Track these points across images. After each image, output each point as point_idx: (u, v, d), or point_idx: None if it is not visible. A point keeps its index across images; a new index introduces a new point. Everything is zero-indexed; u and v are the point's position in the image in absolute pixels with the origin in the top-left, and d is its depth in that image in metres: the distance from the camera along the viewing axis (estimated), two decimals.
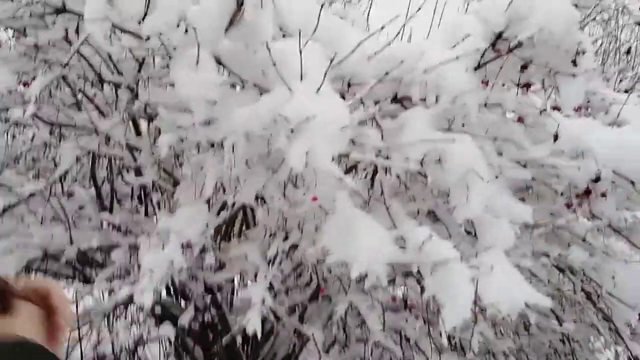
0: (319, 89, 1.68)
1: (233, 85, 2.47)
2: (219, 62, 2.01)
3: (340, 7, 2.68)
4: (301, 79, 1.75)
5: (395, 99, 2.38)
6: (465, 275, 1.78)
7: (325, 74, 1.66)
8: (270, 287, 2.77)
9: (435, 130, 2.08)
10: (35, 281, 0.81)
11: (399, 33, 1.96)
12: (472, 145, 1.98)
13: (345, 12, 2.62)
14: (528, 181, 2.59)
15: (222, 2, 1.80)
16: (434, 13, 3.99)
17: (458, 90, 2.09)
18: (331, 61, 1.68)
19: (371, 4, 3.29)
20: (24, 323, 0.73)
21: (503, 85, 2.43)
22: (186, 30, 1.87)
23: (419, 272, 1.91)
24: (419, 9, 1.99)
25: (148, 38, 1.82)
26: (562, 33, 2.00)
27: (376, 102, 2.49)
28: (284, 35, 2.24)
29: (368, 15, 4.70)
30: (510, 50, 2.17)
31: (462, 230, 2.19)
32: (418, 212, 2.63)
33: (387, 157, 2.17)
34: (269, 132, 1.71)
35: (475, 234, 2.18)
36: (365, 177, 2.93)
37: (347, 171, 2.62)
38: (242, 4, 1.74)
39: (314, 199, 1.79)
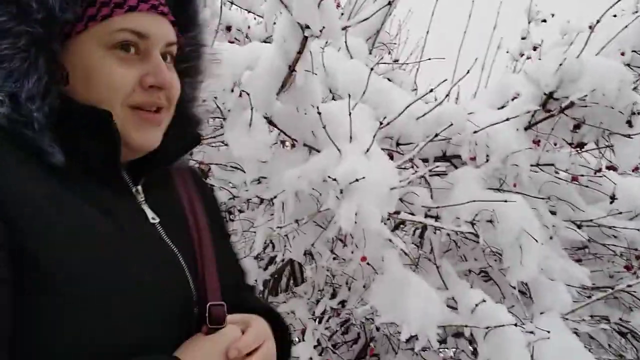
0: (367, 150, 1.70)
1: (284, 144, 2.54)
2: (271, 123, 2.07)
3: (389, 68, 2.73)
4: (350, 140, 1.78)
5: (444, 157, 2.39)
6: (521, 340, 1.72)
7: (374, 135, 1.68)
8: (318, 344, 2.74)
9: (485, 190, 2.06)
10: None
11: (447, 95, 1.97)
12: (524, 206, 1.95)
13: (393, 74, 2.68)
14: (584, 242, 2.51)
15: (275, 67, 1.87)
16: (482, 72, 4.03)
17: (509, 149, 2.08)
18: (381, 123, 1.71)
19: (419, 67, 3.35)
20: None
21: (555, 145, 2.41)
22: (240, 94, 1.95)
23: (471, 334, 1.85)
24: (468, 72, 2.01)
25: (204, 100, 1.90)
26: (615, 94, 1.98)
27: (424, 160, 2.51)
28: (333, 97, 2.31)
29: (416, 76, 4.79)
30: (561, 111, 2.16)
31: (516, 291, 2.13)
32: (470, 272, 2.59)
33: (437, 216, 2.16)
34: (318, 192, 1.74)
35: (530, 295, 2.12)
36: (414, 234, 2.90)
37: (396, 228, 2.60)
38: (293, 69, 1.81)
39: (363, 259, 1.78)
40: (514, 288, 2.06)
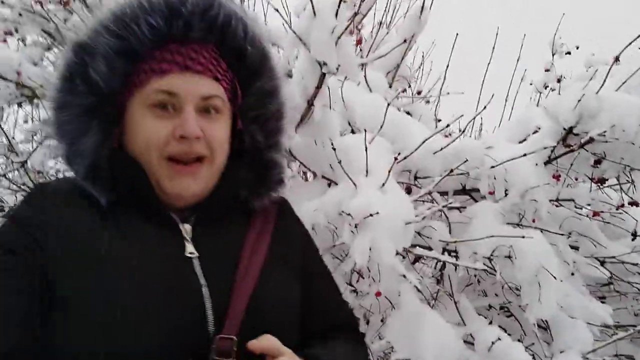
0: (383, 185, 1.71)
1: (306, 177, 2.57)
2: (291, 154, 2.10)
3: (409, 101, 2.75)
4: (366, 174, 1.80)
5: (464, 191, 2.39)
6: None
7: (390, 170, 1.69)
8: None
9: (503, 225, 2.05)
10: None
11: (463, 130, 1.98)
12: (543, 241, 1.93)
13: (413, 107, 2.70)
14: (608, 279, 2.47)
15: (294, 102, 1.90)
16: (505, 105, 4.02)
17: (527, 184, 2.07)
18: (396, 157, 1.72)
19: (439, 100, 3.36)
20: None
21: (576, 179, 2.39)
22: None
23: None
24: (485, 107, 2.01)
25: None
26: (635, 129, 1.96)
27: (443, 194, 2.50)
28: (352, 131, 2.34)
29: (437, 108, 4.81)
30: (581, 146, 2.14)
31: (536, 329, 2.09)
32: (490, 307, 2.55)
33: (455, 251, 2.15)
34: (334, 225, 1.75)
35: (550, 333, 2.08)
36: (435, 267, 2.88)
37: (415, 262, 2.59)
38: (311, 104, 1.84)
39: (378, 294, 1.78)
40: (534, 325, 2.02)
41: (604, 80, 2.05)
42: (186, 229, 0.99)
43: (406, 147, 2.10)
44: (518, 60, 4.38)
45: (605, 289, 2.68)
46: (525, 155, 1.98)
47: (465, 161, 1.86)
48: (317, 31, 1.61)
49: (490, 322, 2.50)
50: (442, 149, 2.00)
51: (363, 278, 2.19)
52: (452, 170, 1.83)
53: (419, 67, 4.95)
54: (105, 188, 0.95)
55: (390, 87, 2.77)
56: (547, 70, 4.51)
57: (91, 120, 0.96)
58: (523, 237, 1.86)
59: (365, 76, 2.35)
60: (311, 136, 2.03)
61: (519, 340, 2.52)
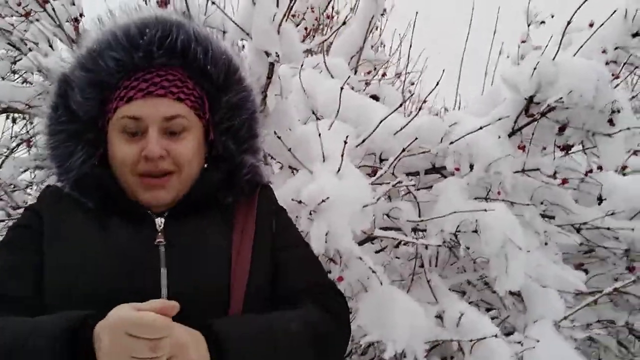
0: (339, 170, 1.71)
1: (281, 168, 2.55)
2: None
3: (375, 85, 2.74)
4: (323, 160, 1.79)
5: (434, 169, 2.38)
6: (506, 351, 1.68)
7: (342, 154, 1.69)
8: None
9: (469, 200, 2.05)
10: None
11: (419, 109, 1.97)
12: (507, 214, 1.93)
13: (380, 90, 2.68)
14: (591, 246, 2.47)
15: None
16: (485, 79, 4.00)
17: (491, 157, 2.06)
18: (345, 141, 1.71)
19: (419, 79, 3.33)
20: None
21: (544, 149, 2.38)
22: None
23: (460, 348, 1.83)
24: (437, 84, 2.00)
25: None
26: (592, 93, 1.95)
27: (414, 174, 2.50)
28: (317, 118, 2.33)
29: (415, 88, 4.79)
30: (543, 114, 2.14)
31: (509, 301, 2.09)
32: (469, 283, 2.55)
33: (424, 230, 2.15)
34: (295, 214, 1.74)
35: (524, 303, 2.09)
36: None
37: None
38: (265, 95, 1.83)
39: (339, 279, 1.78)
40: (505, 297, 2.02)
41: (559, 45, 2.04)
42: (159, 222, 1.09)
43: (368, 130, 2.10)
44: (494, 33, 4.36)
45: (586, 256, 2.68)
46: (481, 128, 1.97)
47: (415, 140, 1.85)
48: (257, 20, 1.60)
49: (468, 298, 2.51)
50: (401, 129, 1.99)
51: (336, 264, 2.19)
52: (403, 150, 1.82)
53: (397, 49, 4.95)
54: (89, 197, 1.09)
55: (355, 71, 2.76)
56: (523, 42, 4.47)
57: (76, 145, 1.10)
58: (485, 210, 1.86)
59: (325, 62, 2.33)
60: (271, 127, 2.02)
61: (495, 314, 2.53)
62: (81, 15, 3.24)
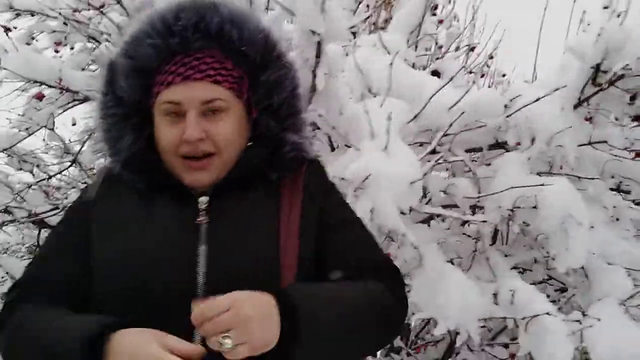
0: (386, 147, 1.70)
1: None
2: (315, 125, 2.12)
3: (440, 60, 2.68)
4: (372, 137, 1.79)
5: (497, 145, 2.32)
6: (561, 330, 1.63)
7: (387, 131, 1.68)
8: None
9: (529, 175, 1.98)
10: None
11: (473, 82, 1.92)
12: (568, 188, 1.85)
13: (441, 65, 2.62)
14: None
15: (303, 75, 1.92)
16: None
17: (552, 130, 1.97)
18: (389, 119, 1.70)
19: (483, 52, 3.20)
20: None
21: (616, 119, 2.25)
22: None
23: (516, 325, 1.79)
24: (494, 50, 1.93)
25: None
26: None
27: (477, 150, 2.44)
28: (374, 96, 2.33)
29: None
30: (611, 83, 2.02)
31: (570, 279, 2.02)
32: (536, 261, 2.47)
33: (482, 207, 2.10)
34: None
35: (589, 280, 2.00)
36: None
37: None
38: (314, 74, 1.85)
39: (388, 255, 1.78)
40: (569, 275, 1.95)
41: (627, 11, 1.91)
42: (202, 200, 1.11)
43: (421, 106, 2.07)
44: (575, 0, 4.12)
45: None
46: (538, 99, 1.89)
47: (462, 114, 1.80)
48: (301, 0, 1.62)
49: (535, 276, 2.44)
50: (455, 104, 1.95)
51: (393, 241, 2.19)
52: (450, 125, 1.79)
53: (471, 21, 4.80)
54: (137, 177, 1.14)
55: (415, 47, 2.72)
56: (605, 8, 4.20)
57: (125, 127, 1.16)
58: (542, 185, 1.80)
59: (380, 39, 2.31)
60: (323, 106, 2.04)
61: (561, 290, 2.44)
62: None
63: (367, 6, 3.07)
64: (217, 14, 1.12)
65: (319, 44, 1.77)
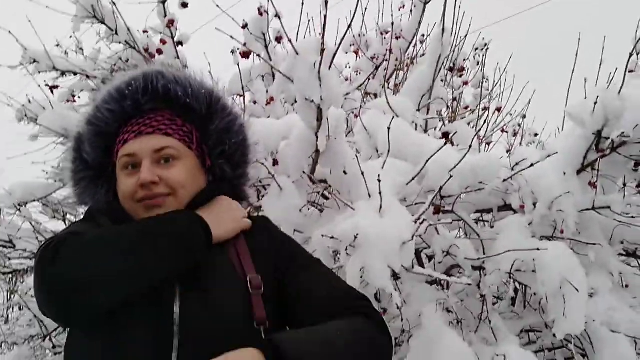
0: (380, 208, 1.75)
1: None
2: (319, 181, 2.19)
3: (450, 125, 2.74)
4: (369, 197, 1.85)
5: (505, 207, 2.33)
6: None
7: (380, 192, 1.73)
8: None
9: (529, 239, 1.99)
10: None
11: (470, 146, 1.96)
12: (567, 253, 1.85)
13: (452, 127, 2.67)
14: None
15: (304, 135, 2.01)
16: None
17: (553, 194, 1.99)
18: (379, 180, 1.76)
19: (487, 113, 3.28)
20: None
21: (625, 185, 2.24)
22: (274, 163, 2.12)
23: None
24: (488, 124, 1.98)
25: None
26: None
27: (487, 211, 2.46)
28: (379, 156, 2.39)
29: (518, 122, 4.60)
30: (613, 150, 2.03)
31: (572, 346, 1.97)
32: (547, 327, 2.43)
33: (482, 268, 2.11)
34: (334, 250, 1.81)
35: (593, 348, 1.95)
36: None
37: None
38: (316, 136, 1.93)
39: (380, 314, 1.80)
40: (569, 342, 1.92)
41: (624, 78, 1.95)
42: None
43: (427, 168, 2.12)
44: (600, 64, 4.14)
45: None
46: (532, 165, 1.93)
47: (451, 178, 1.85)
48: (299, 68, 1.72)
49: (542, 341, 2.39)
50: (455, 166, 1.99)
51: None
52: (441, 188, 1.82)
53: (497, 83, 4.87)
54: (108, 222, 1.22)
55: (428, 110, 2.79)
56: (631, 72, 4.20)
57: (95, 186, 1.30)
58: (538, 249, 1.80)
59: (388, 102, 2.40)
60: (327, 165, 2.12)
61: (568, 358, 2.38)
62: (185, 67, 3.59)
63: (385, 70, 3.18)
64: (163, 78, 1.27)
65: (319, 108, 1.86)
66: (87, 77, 3.70)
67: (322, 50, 1.71)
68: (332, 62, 1.77)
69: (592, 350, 1.96)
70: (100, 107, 1.27)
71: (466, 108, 4.62)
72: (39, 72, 3.63)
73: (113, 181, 1.28)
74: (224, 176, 1.31)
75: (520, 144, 5.55)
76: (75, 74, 3.86)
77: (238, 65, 2.60)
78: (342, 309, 1.13)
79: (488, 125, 4.14)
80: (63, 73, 3.88)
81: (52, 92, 3.83)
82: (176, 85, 1.26)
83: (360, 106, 2.32)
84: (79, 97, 4.18)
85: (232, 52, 3.05)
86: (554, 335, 2.03)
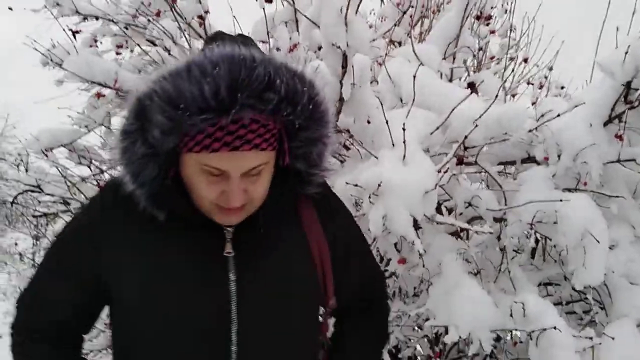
0: (404, 157, 1.76)
1: None
2: (349, 133, 2.20)
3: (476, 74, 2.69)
4: (393, 145, 1.85)
5: (529, 159, 2.32)
6: (569, 345, 1.64)
7: (404, 140, 1.73)
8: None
9: (553, 190, 1.98)
10: None
11: (496, 97, 1.94)
12: (589, 205, 1.85)
13: (477, 77, 2.63)
14: None
15: (329, 84, 2.00)
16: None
17: (578, 146, 1.97)
18: (403, 129, 1.75)
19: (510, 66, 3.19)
20: None
21: None
22: None
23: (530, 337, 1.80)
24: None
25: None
26: None
27: (510, 163, 2.45)
28: (403, 105, 2.38)
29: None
30: None
31: (590, 296, 2.00)
32: (566, 278, 2.45)
33: (504, 220, 2.12)
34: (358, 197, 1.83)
35: (611, 299, 1.98)
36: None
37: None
38: (341, 84, 1.93)
39: (401, 261, 1.83)
40: (586, 295, 1.94)
41: None
42: (229, 231, 1.18)
43: (451, 118, 2.10)
44: (633, 14, 4.01)
45: None
46: (558, 115, 1.90)
47: (475, 127, 1.83)
48: (325, 14, 1.70)
49: (560, 292, 2.42)
50: (480, 117, 1.97)
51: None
52: (465, 137, 1.81)
53: (525, 32, 4.74)
54: (160, 209, 1.14)
55: (453, 58, 2.75)
56: None
57: (148, 162, 1.10)
58: (561, 200, 1.80)
59: (413, 50, 2.36)
60: (352, 114, 2.12)
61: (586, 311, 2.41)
62: (206, 12, 3.55)
63: (411, 17, 3.12)
64: (269, 70, 1.04)
65: (345, 55, 1.84)
66: (111, 21, 3.68)
67: None
68: (358, 7, 1.75)
69: (610, 301, 1.98)
70: (182, 89, 1.01)
71: (492, 58, 4.53)
72: (62, 16, 3.62)
73: (170, 163, 1.12)
74: (297, 172, 1.21)
75: (546, 96, 5.45)
76: (97, 18, 3.85)
77: (263, 9, 2.54)
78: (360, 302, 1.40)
79: (514, 77, 4.05)
80: (85, 17, 3.87)
81: (74, 36, 3.83)
82: (278, 80, 1.04)
83: (386, 54, 2.29)
84: (101, 43, 4.18)
85: None
86: (573, 288, 2.06)
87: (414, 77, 1.95)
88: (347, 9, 1.64)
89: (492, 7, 4.51)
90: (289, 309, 1.20)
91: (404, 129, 1.69)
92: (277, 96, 1.04)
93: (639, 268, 1.95)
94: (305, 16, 1.76)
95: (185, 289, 1.13)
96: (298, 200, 1.27)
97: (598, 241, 1.76)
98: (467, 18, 2.55)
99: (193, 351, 1.13)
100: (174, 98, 1.01)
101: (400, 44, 3.21)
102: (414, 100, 1.99)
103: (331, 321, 1.41)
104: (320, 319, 1.34)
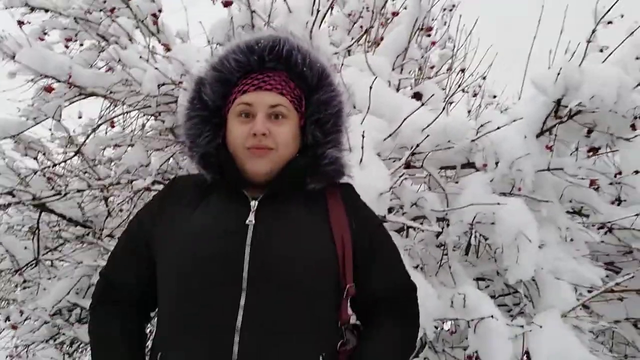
0: (360, 161, 1.91)
1: None
2: None
3: (422, 83, 2.89)
4: (350, 151, 2.00)
5: (468, 164, 2.54)
6: (503, 332, 1.84)
7: (362, 146, 1.89)
8: None
9: (491, 194, 2.19)
10: None
11: (443, 109, 2.13)
12: (523, 209, 2.06)
13: (422, 87, 2.83)
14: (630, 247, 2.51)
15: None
16: None
17: (513, 155, 2.19)
18: (363, 136, 1.91)
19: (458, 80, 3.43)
20: None
21: (577, 150, 2.47)
22: None
23: (469, 326, 1.99)
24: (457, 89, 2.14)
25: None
26: (613, 99, 2.04)
27: (451, 168, 2.66)
28: (357, 113, 2.54)
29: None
30: (570, 117, 2.24)
31: (521, 290, 2.23)
32: (498, 274, 2.68)
33: (446, 219, 2.31)
34: None
35: (538, 292, 2.21)
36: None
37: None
38: None
39: None
40: (519, 286, 2.16)
41: (585, 51, 2.14)
42: (253, 204, 1.35)
43: (400, 126, 2.28)
44: (561, 32, 4.34)
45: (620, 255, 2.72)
46: (498, 128, 2.11)
47: (427, 137, 2.02)
48: (292, 27, 1.83)
49: (494, 285, 2.66)
50: (428, 125, 2.16)
51: None
52: (417, 145, 1.99)
53: (462, 45, 5.02)
54: (210, 170, 1.40)
55: (401, 70, 2.93)
56: (589, 42, 4.41)
57: (204, 127, 1.41)
58: (498, 204, 2.01)
59: (367, 60, 2.53)
60: None
61: (515, 304, 2.65)
62: (160, 11, 3.60)
63: (361, 27, 3.28)
64: (287, 43, 1.41)
65: None
66: (60, 14, 3.66)
67: (318, 11, 1.83)
68: (322, 22, 1.89)
69: (538, 295, 2.21)
70: (228, 56, 1.40)
71: (432, 67, 4.78)
72: (11, 7, 3.57)
73: (221, 127, 1.41)
74: (315, 140, 1.42)
75: (480, 104, 5.79)
76: (46, 10, 3.81)
77: (229, 10, 2.60)
78: (390, 304, 1.45)
79: (451, 86, 4.32)
80: (33, 9, 3.82)
81: (20, 27, 3.77)
82: (297, 53, 1.40)
83: (342, 63, 2.43)
84: (48, 35, 4.12)
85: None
86: (505, 283, 2.29)
87: (370, 87, 2.10)
88: (313, 25, 1.78)
89: (432, 19, 4.78)
90: (299, 272, 1.29)
91: (363, 136, 1.84)
92: (294, 59, 1.38)
93: (564, 265, 2.19)
94: (274, 28, 1.87)
95: (209, 244, 1.30)
96: (326, 190, 1.44)
97: (530, 241, 1.97)
98: (416, 32, 2.74)
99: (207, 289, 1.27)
100: (218, 65, 1.40)
101: (349, 52, 3.37)
102: (369, 108, 2.15)
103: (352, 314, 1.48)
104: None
